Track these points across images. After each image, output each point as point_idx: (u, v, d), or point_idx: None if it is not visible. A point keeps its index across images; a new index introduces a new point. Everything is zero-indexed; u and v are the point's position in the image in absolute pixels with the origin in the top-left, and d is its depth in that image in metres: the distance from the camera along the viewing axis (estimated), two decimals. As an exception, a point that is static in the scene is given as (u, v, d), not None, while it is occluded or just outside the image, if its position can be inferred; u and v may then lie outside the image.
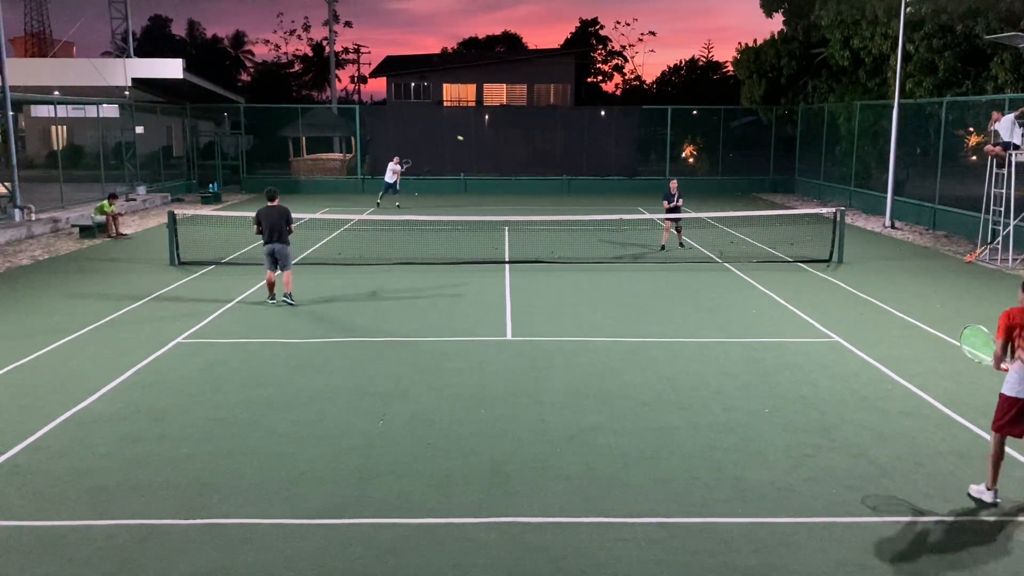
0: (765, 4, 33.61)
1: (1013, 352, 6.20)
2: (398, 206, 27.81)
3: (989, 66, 22.65)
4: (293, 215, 12.88)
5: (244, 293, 13.78)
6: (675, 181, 18.44)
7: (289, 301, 12.81)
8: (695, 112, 39.30)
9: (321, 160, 36.82)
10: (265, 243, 12.61)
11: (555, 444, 7.43)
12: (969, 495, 6.42)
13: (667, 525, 5.97)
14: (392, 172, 27.96)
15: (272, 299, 12.89)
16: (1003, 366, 6.32)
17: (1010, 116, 16.69)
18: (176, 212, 17.07)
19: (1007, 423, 6.24)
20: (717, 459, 7.11)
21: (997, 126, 16.96)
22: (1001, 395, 6.31)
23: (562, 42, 72.97)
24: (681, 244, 18.62)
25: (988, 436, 7.57)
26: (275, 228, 12.51)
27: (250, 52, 75.72)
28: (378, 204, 27.75)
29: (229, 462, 7.03)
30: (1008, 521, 6.05)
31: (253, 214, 12.74)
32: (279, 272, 12.77)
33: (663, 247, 18.37)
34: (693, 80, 67.42)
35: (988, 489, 6.33)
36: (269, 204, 12.65)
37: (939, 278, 15.12)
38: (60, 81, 31.27)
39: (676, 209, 18.12)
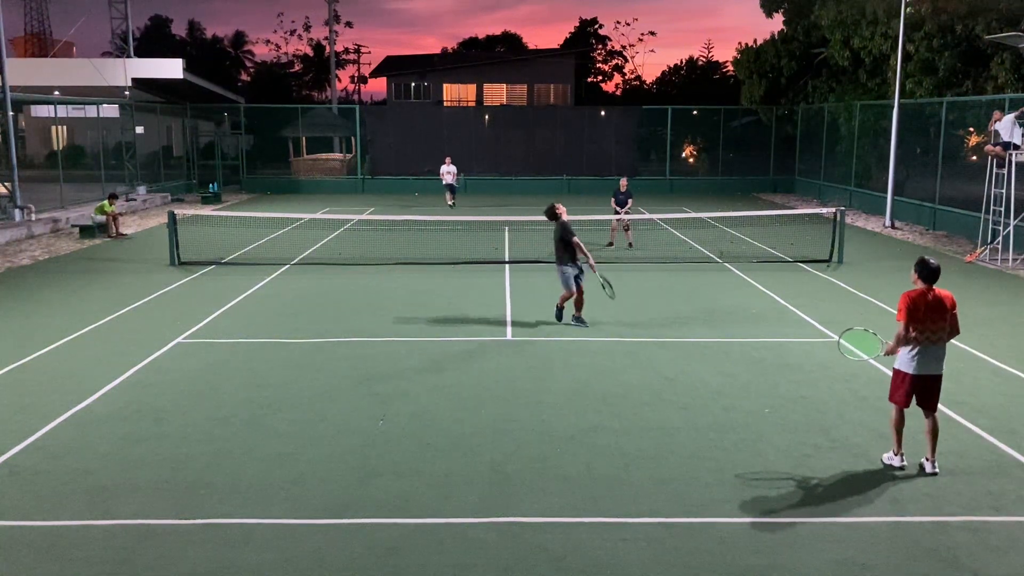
0: (765, 4, 33.60)
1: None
2: (451, 206, 27.06)
3: (989, 66, 22.65)
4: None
5: (244, 293, 13.78)
6: (624, 179, 19.04)
7: (571, 322, 11.65)
8: (695, 112, 39.33)
9: (321, 160, 36.83)
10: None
11: (555, 444, 7.43)
12: (883, 462, 6.98)
13: (667, 525, 5.97)
14: (448, 173, 27.61)
15: (578, 319, 11.66)
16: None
17: (1010, 116, 16.69)
18: (176, 212, 17.08)
19: (902, 395, 6.81)
20: (717, 459, 7.11)
21: (997, 126, 16.96)
22: (897, 371, 6.87)
23: (562, 42, 73.02)
24: (630, 244, 18.85)
25: (988, 436, 7.63)
26: (555, 248, 11.43)
27: (250, 52, 75.81)
28: (452, 206, 27.24)
29: (229, 462, 7.03)
30: (1008, 521, 6.05)
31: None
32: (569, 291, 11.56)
33: (611, 243, 18.90)
34: (693, 80, 67.42)
35: (896, 455, 6.95)
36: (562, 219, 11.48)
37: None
38: (60, 81, 31.28)
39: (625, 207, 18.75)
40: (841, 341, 7.43)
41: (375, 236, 20.38)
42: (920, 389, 6.76)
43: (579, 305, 11.63)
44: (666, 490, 6.52)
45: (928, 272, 6.79)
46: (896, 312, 6.84)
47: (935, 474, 6.77)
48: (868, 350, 7.18)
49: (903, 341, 6.70)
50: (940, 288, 6.85)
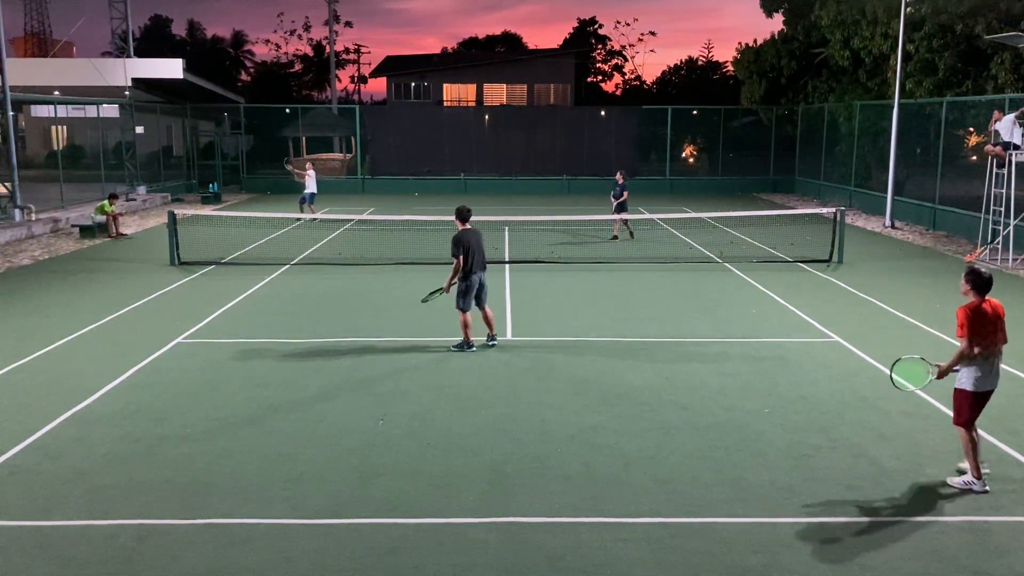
0: (765, 4, 33.59)
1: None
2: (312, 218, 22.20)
3: (989, 66, 22.64)
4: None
5: (244, 293, 13.78)
6: (619, 173, 19.90)
7: (494, 342, 10.66)
8: (695, 112, 39.32)
9: (321, 160, 36.80)
10: (472, 272, 10.28)
11: (555, 444, 7.43)
12: (956, 485, 6.53)
13: (667, 525, 5.97)
14: (310, 177, 22.75)
15: (470, 346, 10.41)
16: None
17: (1010, 116, 16.69)
18: (176, 212, 17.08)
19: (970, 415, 6.46)
20: (717, 459, 7.11)
21: (997, 126, 16.96)
22: (962, 391, 6.48)
23: (562, 42, 72.99)
24: (616, 236, 19.86)
25: (988, 436, 7.61)
26: (482, 254, 10.40)
27: (250, 52, 75.75)
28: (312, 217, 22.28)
29: (229, 462, 7.03)
30: (1008, 521, 6.05)
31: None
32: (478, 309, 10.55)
33: (614, 237, 19.84)
34: (693, 80, 67.37)
35: (976, 478, 6.48)
36: (468, 226, 10.44)
37: (939, 278, 15.07)
38: (60, 81, 31.29)
39: (623, 203, 19.58)
40: (893, 376, 6.79)
41: (375, 236, 20.37)
42: (981, 406, 6.47)
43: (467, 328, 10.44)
44: (666, 490, 6.52)
45: (982, 283, 6.53)
46: (957, 328, 6.43)
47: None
48: (916, 378, 6.73)
49: (968, 359, 6.34)
50: (991, 297, 6.59)
